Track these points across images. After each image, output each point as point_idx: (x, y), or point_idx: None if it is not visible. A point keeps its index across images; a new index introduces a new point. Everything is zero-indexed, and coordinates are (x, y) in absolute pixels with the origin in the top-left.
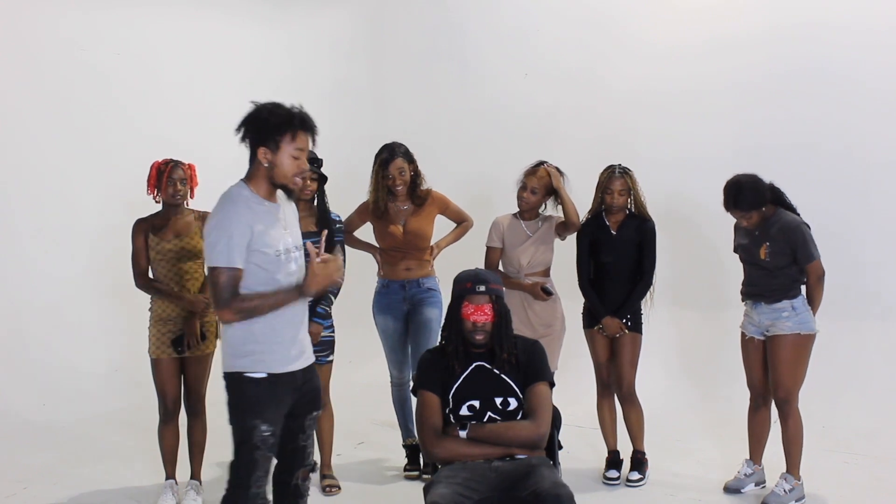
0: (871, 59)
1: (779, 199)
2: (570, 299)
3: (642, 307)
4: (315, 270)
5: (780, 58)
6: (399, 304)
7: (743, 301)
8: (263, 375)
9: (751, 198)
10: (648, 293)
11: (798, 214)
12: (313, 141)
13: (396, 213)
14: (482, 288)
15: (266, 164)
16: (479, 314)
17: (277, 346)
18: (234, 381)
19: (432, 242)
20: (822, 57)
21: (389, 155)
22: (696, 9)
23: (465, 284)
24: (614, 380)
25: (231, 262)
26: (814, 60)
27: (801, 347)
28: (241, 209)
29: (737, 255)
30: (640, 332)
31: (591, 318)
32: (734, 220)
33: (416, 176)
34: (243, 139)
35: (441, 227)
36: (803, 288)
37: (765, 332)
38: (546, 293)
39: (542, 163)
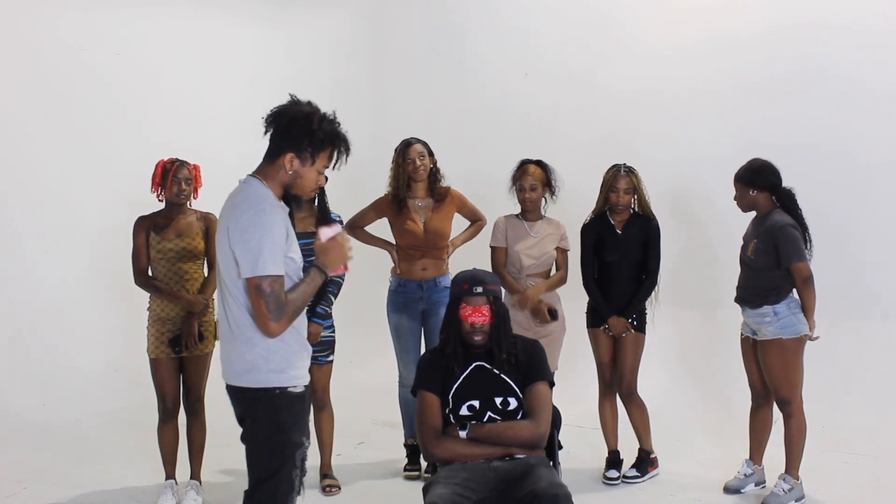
0: (871, 59)
1: (785, 201)
2: (571, 299)
3: (647, 307)
4: (326, 246)
5: (781, 58)
6: (416, 303)
7: (735, 301)
8: (303, 389)
9: (745, 172)
10: (653, 292)
11: (804, 222)
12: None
13: (415, 209)
14: (479, 289)
15: (290, 172)
16: (477, 315)
17: (305, 353)
18: (275, 398)
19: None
20: (822, 57)
21: (409, 141)
22: (696, 9)
23: (462, 286)
24: (616, 379)
25: (279, 270)
26: (814, 60)
27: (787, 350)
28: (278, 211)
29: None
30: (644, 332)
31: (594, 318)
32: (741, 218)
33: (435, 170)
34: (274, 135)
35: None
36: (794, 291)
37: (755, 335)
38: (552, 316)
39: (525, 162)
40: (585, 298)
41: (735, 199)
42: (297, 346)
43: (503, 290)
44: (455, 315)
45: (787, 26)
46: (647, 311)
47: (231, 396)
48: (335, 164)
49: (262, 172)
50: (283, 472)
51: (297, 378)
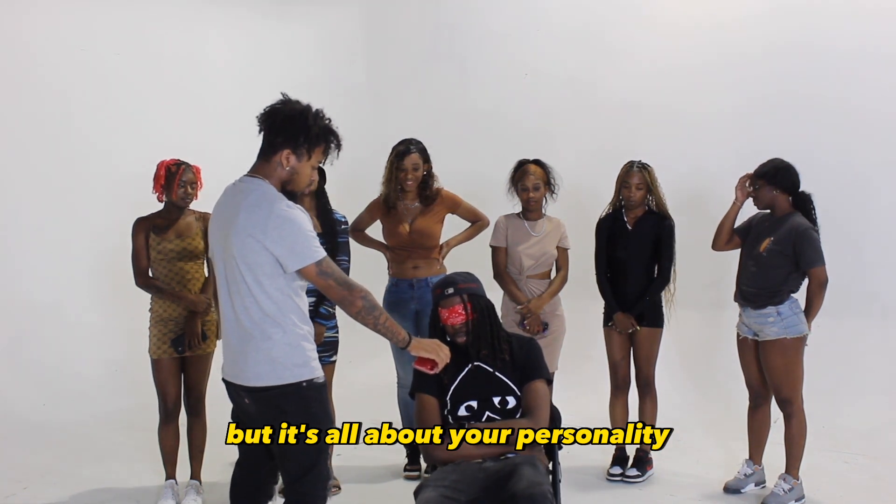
0: (872, 57)
1: (803, 204)
2: (575, 299)
3: (663, 304)
4: (431, 344)
5: (781, 55)
6: (408, 302)
7: (735, 300)
8: (323, 379)
9: (770, 170)
10: (667, 291)
11: (817, 226)
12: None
13: (405, 211)
14: (450, 290)
15: (287, 169)
16: (454, 316)
17: (313, 345)
18: (303, 391)
19: (443, 240)
20: (822, 57)
21: (406, 149)
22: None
23: (436, 292)
24: (635, 374)
25: (323, 252)
26: (814, 60)
27: (790, 350)
28: (295, 206)
29: (738, 251)
30: (660, 327)
31: (609, 316)
32: (739, 220)
33: (428, 176)
34: (268, 134)
35: (455, 225)
36: (793, 295)
37: (756, 335)
38: (543, 329)
39: (524, 162)
40: (589, 297)
41: (751, 195)
42: (308, 340)
43: (503, 294)
44: (437, 322)
45: (788, 26)
46: (662, 306)
47: (252, 399)
48: (328, 159)
49: (260, 172)
50: (321, 461)
51: (318, 368)
